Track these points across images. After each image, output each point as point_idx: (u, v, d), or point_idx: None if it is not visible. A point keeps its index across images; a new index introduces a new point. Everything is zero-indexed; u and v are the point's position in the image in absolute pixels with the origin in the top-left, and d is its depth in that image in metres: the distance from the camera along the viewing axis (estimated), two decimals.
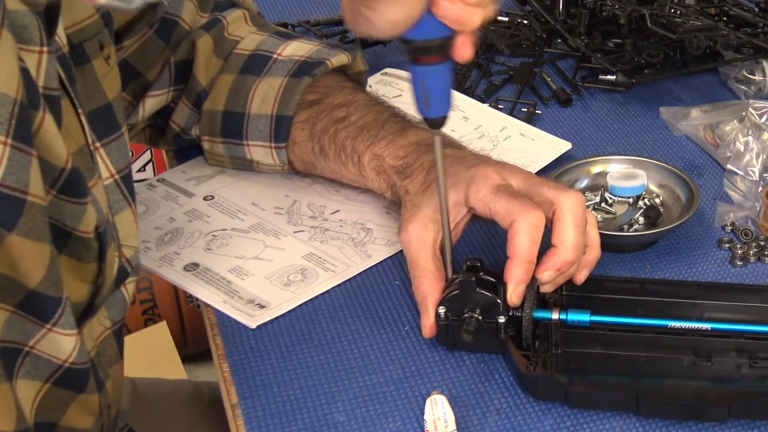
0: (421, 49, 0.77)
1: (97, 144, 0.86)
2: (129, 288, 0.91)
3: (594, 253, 0.91)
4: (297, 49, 1.09)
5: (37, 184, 0.73)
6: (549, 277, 0.87)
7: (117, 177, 0.88)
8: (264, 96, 1.07)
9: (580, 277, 0.90)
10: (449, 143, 1.01)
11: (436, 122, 0.83)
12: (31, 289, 0.76)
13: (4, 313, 0.76)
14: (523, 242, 0.86)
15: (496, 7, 0.76)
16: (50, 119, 0.75)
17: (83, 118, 0.81)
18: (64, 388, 0.84)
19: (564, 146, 1.15)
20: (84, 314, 0.84)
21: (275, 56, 1.09)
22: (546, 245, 0.88)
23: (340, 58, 1.09)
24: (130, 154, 0.93)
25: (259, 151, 1.08)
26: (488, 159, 0.96)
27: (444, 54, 0.78)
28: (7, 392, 0.78)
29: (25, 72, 0.72)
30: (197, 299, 0.99)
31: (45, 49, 0.74)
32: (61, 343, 0.80)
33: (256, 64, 1.09)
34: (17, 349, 0.79)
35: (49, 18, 0.76)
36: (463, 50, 0.78)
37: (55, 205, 0.77)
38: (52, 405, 0.84)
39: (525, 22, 1.38)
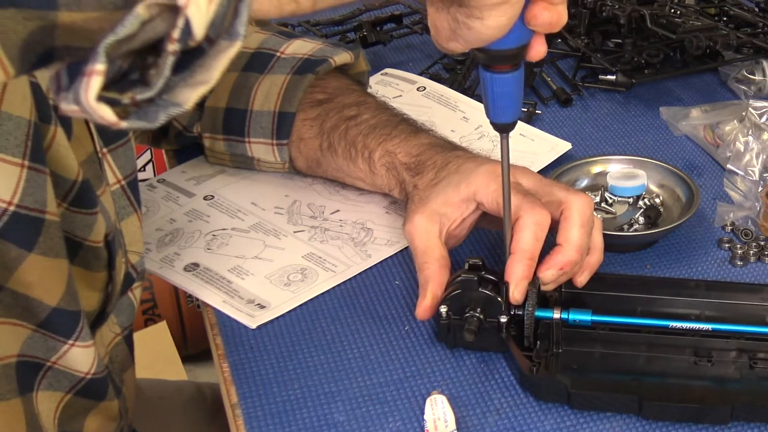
0: (496, 57, 0.76)
1: (105, 150, 0.86)
2: (136, 293, 0.91)
3: (596, 256, 0.91)
4: (300, 47, 1.09)
5: (51, 201, 0.74)
6: (551, 276, 0.87)
7: (123, 183, 0.89)
8: (267, 93, 1.07)
9: (581, 280, 0.90)
10: (455, 146, 1.01)
11: (505, 127, 0.83)
12: (54, 307, 0.76)
13: (26, 331, 0.77)
14: (526, 238, 0.86)
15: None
16: (61, 133, 0.75)
17: (92, 125, 0.81)
18: (85, 397, 0.84)
19: (564, 146, 1.15)
20: (95, 322, 0.84)
21: (278, 54, 1.09)
22: (549, 246, 0.88)
23: (343, 57, 1.09)
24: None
25: (260, 148, 1.08)
26: (498, 160, 0.96)
27: (518, 62, 0.77)
28: (17, 406, 0.79)
29: (36, 87, 0.73)
30: (197, 299, 0.99)
31: None
32: (82, 357, 0.81)
33: (259, 61, 1.09)
34: (38, 363, 0.79)
35: None
36: (538, 49, 0.76)
37: (66, 218, 0.77)
38: (73, 413, 0.84)
39: None
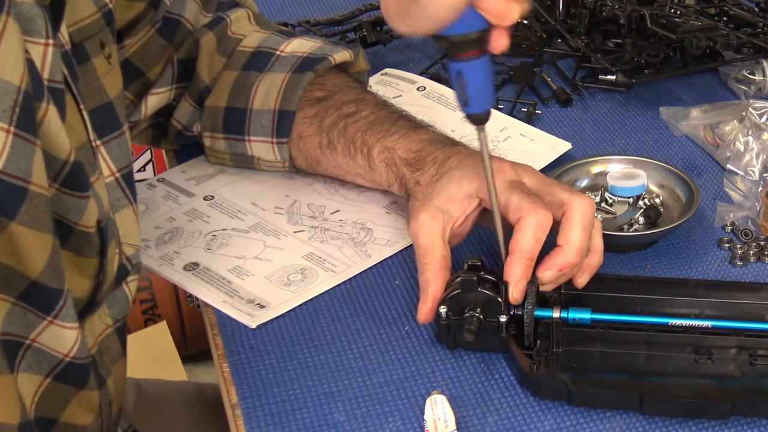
0: (458, 44, 0.77)
1: (98, 142, 0.86)
2: (131, 286, 0.91)
3: (597, 257, 0.91)
4: (299, 45, 1.10)
5: (40, 174, 0.73)
6: (550, 277, 0.87)
7: (118, 175, 0.88)
8: (267, 92, 1.07)
9: (581, 281, 0.90)
10: (456, 141, 1.01)
11: (479, 118, 0.82)
12: (33, 280, 0.76)
13: (6, 305, 0.76)
14: (526, 239, 0.86)
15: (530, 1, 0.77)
16: (54, 111, 0.75)
17: (85, 115, 0.81)
18: (64, 383, 0.84)
19: (564, 146, 1.15)
20: (85, 310, 0.84)
21: (278, 53, 1.09)
22: (550, 246, 0.88)
23: (342, 55, 1.09)
24: (132, 152, 0.93)
25: (260, 147, 1.08)
26: (502, 157, 0.96)
27: (481, 48, 0.78)
28: (11, 384, 0.78)
29: (30, 63, 0.72)
30: (197, 299, 0.99)
31: (50, 41, 0.74)
32: (63, 337, 0.80)
33: (259, 60, 1.09)
34: (18, 342, 0.79)
35: (55, 13, 0.76)
36: (499, 42, 0.78)
37: (57, 199, 0.77)
38: (52, 400, 0.84)
39: (525, 22, 1.38)
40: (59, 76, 0.76)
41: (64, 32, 0.80)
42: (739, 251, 1.01)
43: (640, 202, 1.04)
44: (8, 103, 0.70)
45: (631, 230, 1.03)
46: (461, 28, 0.75)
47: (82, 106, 0.81)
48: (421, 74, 1.30)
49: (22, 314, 0.78)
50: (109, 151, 0.87)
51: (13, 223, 0.73)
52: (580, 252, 0.88)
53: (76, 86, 0.80)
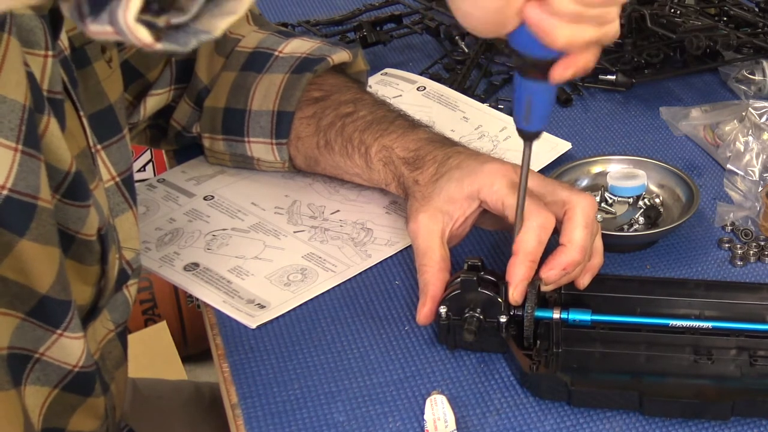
0: (532, 64, 0.76)
1: (98, 146, 0.86)
2: (131, 290, 0.91)
3: (597, 258, 0.91)
4: (298, 46, 1.10)
5: (45, 188, 0.73)
6: (554, 276, 0.87)
7: (118, 179, 0.88)
8: (265, 92, 1.07)
9: (583, 282, 0.90)
10: (454, 141, 1.01)
11: (531, 135, 0.83)
12: (43, 295, 0.76)
13: (15, 321, 0.77)
14: (529, 240, 0.86)
15: (613, 29, 0.72)
16: (54, 123, 0.75)
17: (85, 121, 0.81)
18: (72, 392, 0.84)
19: (564, 146, 1.15)
20: (87, 317, 0.84)
21: (276, 53, 1.09)
22: (551, 247, 0.88)
23: (341, 55, 1.09)
24: (132, 156, 0.93)
25: (260, 148, 1.08)
26: (502, 159, 0.96)
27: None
28: (15, 398, 0.79)
29: (30, 76, 0.72)
30: (197, 299, 0.99)
31: (50, 53, 0.74)
32: (71, 348, 0.80)
33: (258, 61, 1.09)
34: (27, 355, 0.79)
35: (53, 22, 0.76)
36: (558, 72, 0.74)
37: (59, 210, 0.77)
38: (59, 410, 0.84)
39: None
40: (59, 86, 0.76)
41: (63, 38, 0.80)
42: (739, 251, 1.01)
43: (640, 202, 1.04)
44: (15, 121, 0.70)
45: (631, 230, 1.03)
46: (539, 51, 0.75)
47: (81, 113, 0.81)
48: (421, 74, 1.30)
49: (32, 329, 0.78)
50: (110, 155, 0.87)
51: (23, 240, 0.73)
52: (583, 250, 0.88)
53: (75, 92, 0.80)
